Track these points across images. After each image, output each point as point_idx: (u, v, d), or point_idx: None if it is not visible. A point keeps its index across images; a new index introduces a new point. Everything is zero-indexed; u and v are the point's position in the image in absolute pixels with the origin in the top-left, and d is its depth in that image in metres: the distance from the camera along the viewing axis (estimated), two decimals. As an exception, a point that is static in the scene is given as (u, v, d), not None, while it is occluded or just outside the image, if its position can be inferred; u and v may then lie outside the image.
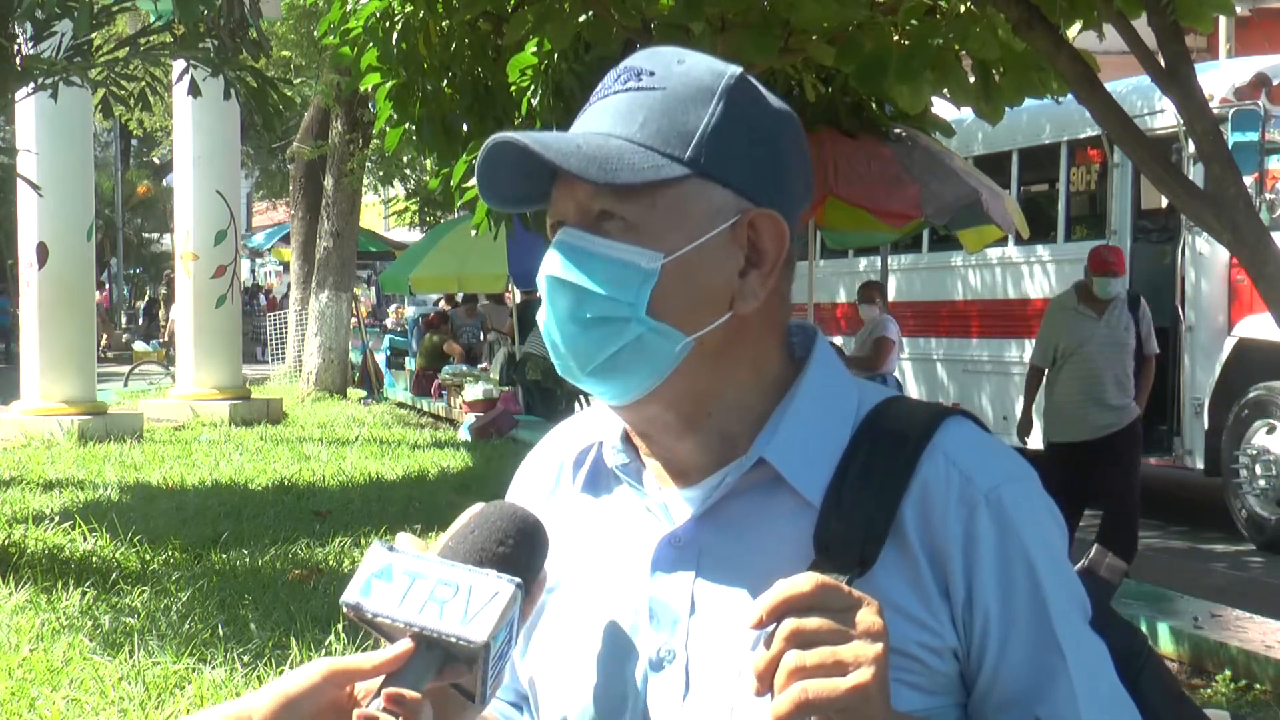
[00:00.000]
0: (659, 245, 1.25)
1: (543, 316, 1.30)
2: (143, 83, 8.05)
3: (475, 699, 1.18)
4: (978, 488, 1.26)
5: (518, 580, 1.15)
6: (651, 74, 1.29)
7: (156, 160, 44.13)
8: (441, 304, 24.18)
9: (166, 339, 28.64)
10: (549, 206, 1.31)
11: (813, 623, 1.13)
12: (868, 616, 1.14)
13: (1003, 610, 1.25)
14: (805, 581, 1.14)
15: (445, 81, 7.65)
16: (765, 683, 1.14)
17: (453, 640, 1.13)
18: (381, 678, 1.14)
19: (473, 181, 7.50)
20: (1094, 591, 1.36)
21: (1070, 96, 5.96)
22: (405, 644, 1.15)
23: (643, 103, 1.28)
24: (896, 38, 5.92)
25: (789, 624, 1.13)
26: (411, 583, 1.16)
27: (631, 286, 1.25)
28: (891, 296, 12.50)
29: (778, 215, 1.29)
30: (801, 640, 1.13)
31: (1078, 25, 5.47)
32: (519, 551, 1.21)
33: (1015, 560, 1.25)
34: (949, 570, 1.25)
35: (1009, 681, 1.25)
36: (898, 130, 9.21)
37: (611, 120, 1.28)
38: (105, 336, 31.12)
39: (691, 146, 1.26)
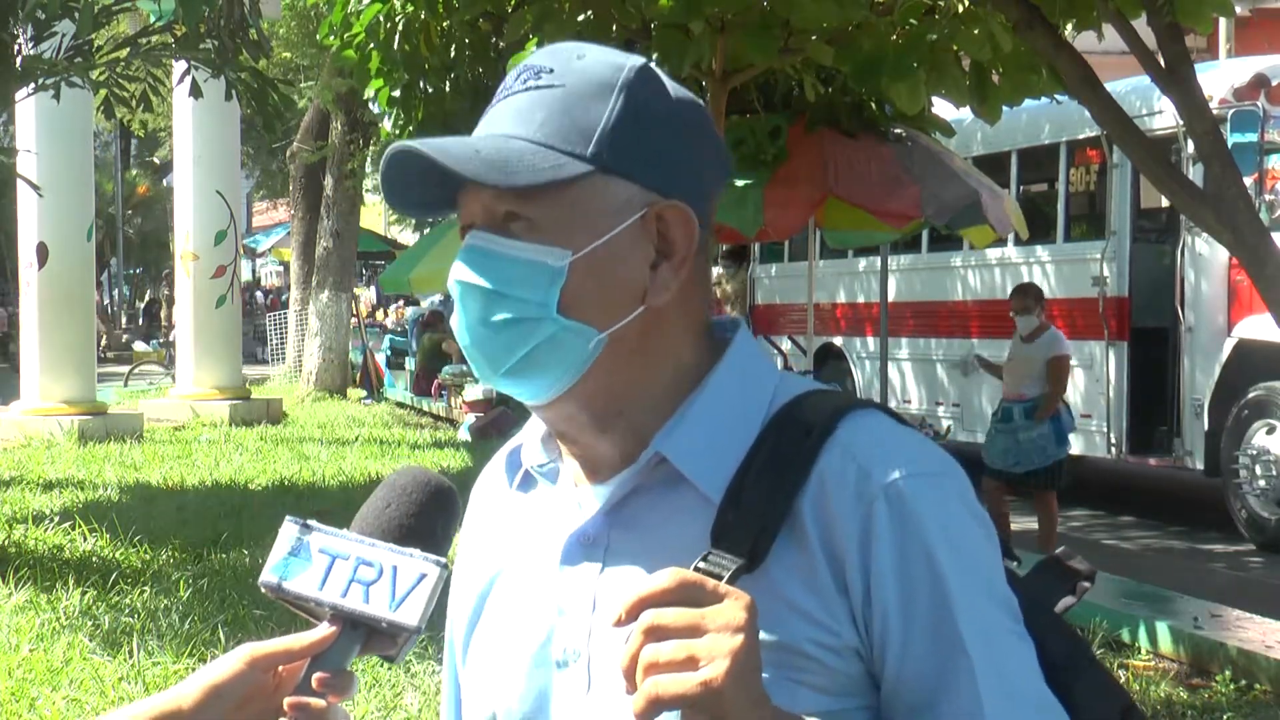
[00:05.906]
0: (566, 243, 1.25)
1: (456, 321, 1.29)
2: (143, 83, 8.05)
3: (394, 660, 1.20)
4: (875, 481, 1.22)
5: (443, 561, 1.15)
6: (551, 71, 1.28)
7: (156, 160, 44.14)
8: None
9: (166, 339, 28.67)
10: (459, 211, 1.30)
11: (668, 616, 1.09)
12: (729, 610, 1.10)
13: (902, 608, 1.21)
14: (665, 577, 1.11)
15: (446, 84, 7.66)
16: (630, 680, 1.10)
17: (384, 626, 1.14)
18: (307, 659, 1.15)
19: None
20: (1037, 593, 1.31)
21: (1069, 96, 5.97)
22: (330, 626, 1.15)
23: (542, 101, 1.27)
24: (894, 37, 5.93)
25: (645, 618, 1.09)
26: (331, 562, 1.16)
27: (540, 286, 1.24)
28: (891, 296, 12.46)
29: (685, 206, 1.28)
30: (658, 636, 1.09)
31: (1071, 26, 5.48)
32: (435, 521, 1.21)
33: (915, 556, 1.21)
34: (846, 566, 1.21)
35: (914, 683, 1.21)
36: (898, 130, 9.22)
37: (512, 121, 1.27)
38: (105, 336, 31.12)
39: (593, 142, 1.25)
